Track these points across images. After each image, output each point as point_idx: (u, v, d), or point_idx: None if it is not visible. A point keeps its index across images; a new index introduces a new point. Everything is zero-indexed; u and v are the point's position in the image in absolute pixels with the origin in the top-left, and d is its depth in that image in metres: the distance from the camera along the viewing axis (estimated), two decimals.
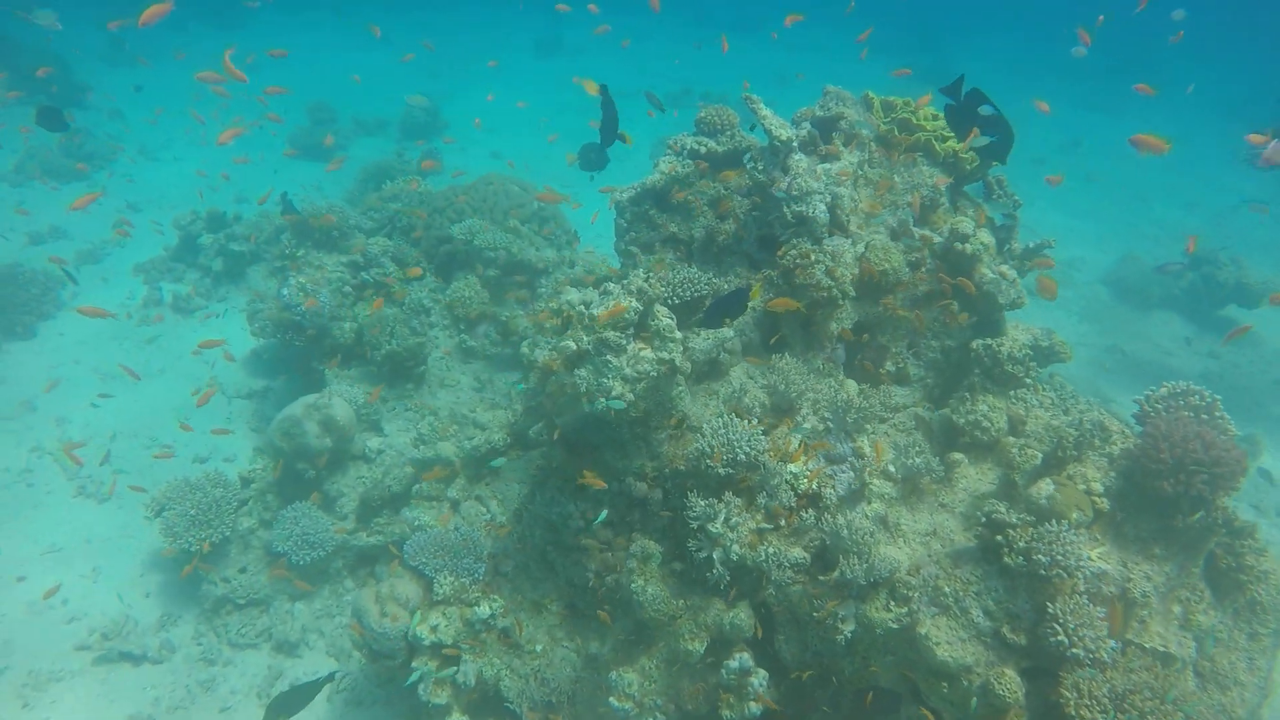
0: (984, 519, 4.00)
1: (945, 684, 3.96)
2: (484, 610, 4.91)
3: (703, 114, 5.84)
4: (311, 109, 14.36)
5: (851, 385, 5.08)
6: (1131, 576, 4.01)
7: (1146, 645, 4.07)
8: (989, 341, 4.58)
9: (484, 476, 5.72)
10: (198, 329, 8.90)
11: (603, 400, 4.43)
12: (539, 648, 5.19)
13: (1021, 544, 3.84)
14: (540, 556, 5.35)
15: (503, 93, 14.63)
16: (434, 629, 4.91)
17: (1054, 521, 3.86)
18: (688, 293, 5.02)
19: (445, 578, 5.06)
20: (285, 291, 6.76)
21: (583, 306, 4.59)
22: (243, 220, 9.68)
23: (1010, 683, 3.75)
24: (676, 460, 4.79)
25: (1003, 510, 3.93)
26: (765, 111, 5.16)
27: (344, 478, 6.05)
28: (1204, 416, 4.15)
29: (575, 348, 4.52)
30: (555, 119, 17.29)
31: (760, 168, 5.19)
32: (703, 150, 5.73)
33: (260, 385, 7.99)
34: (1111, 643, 3.72)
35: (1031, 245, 5.60)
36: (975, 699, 3.83)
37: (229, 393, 7.97)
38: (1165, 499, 3.99)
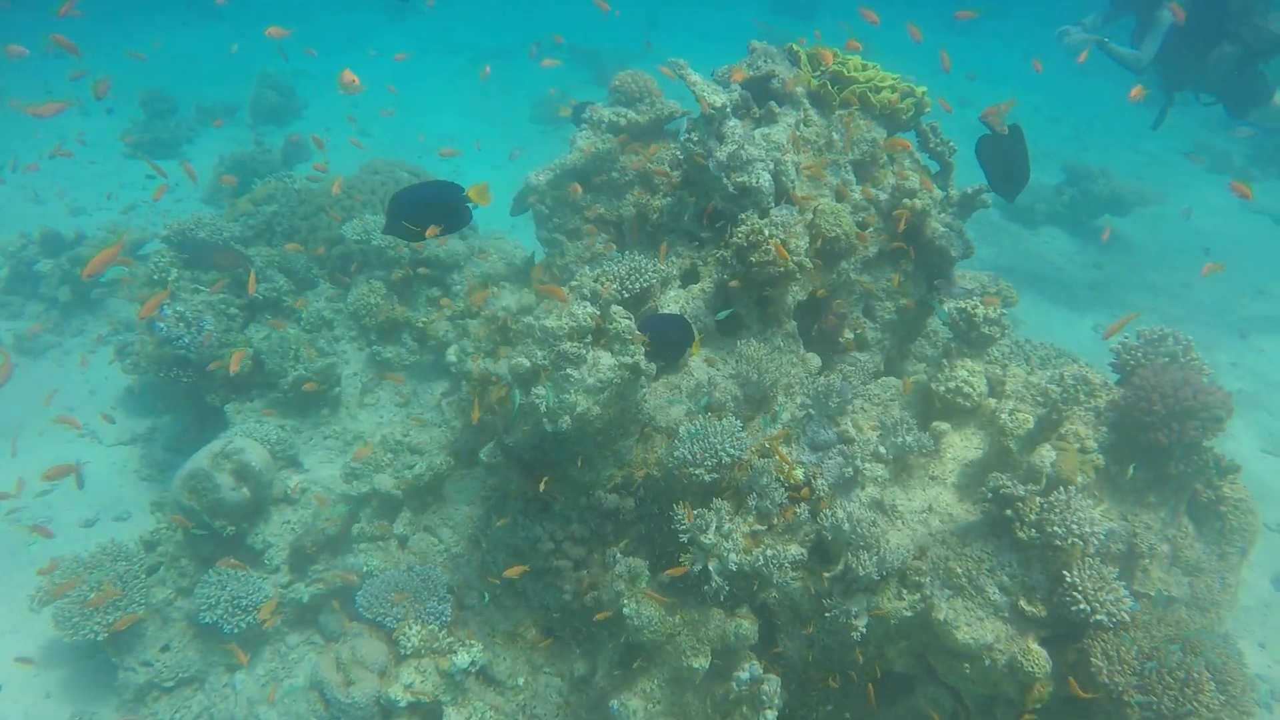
0: (990, 494, 3.84)
1: (967, 664, 3.83)
2: (463, 659, 4.46)
3: (617, 81, 5.37)
4: (145, 99, 12.63)
5: (814, 360, 4.85)
6: (1136, 530, 3.96)
7: (1151, 593, 4.07)
8: (963, 305, 4.40)
9: (430, 505, 5.21)
10: (54, 372, 7.79)
11: (566, 418, 4.01)
12: (521, 680, 4.81)
13: (1033, 516, 3.71)
14: (507, 583, 4.93)
15: (363, 65, 13.38)
16: (408, 687, 4.44)
17: (1062, 489, 3.74)
18: (637, 284, 4.61)
19: (410, 627, 4.57)
20: (161, 324, 5.92)
21: (531, 319, 4.12)
22: (87, 239, 8.50)
23: (1038, 657, 3.64)
24: (649, 465, 4.45)
25: (1009, 484, 3.77)
26: (694, 77, 4.74)
27: (268, 526, 5.39)
28: (1181, 360, 4.11)
29: (529, 364, 4.06)
30: (418, 87, 16.16)
31: (695, 138, 4.79)
32: (623, 122, 5.28)
33: (144, 427, 7.06)
34: (1130, 601, 3.65)
35: (969, 191, 5.46)
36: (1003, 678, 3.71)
37: (107, 441, 7.02)
38: (1159, 449, 3.94)
